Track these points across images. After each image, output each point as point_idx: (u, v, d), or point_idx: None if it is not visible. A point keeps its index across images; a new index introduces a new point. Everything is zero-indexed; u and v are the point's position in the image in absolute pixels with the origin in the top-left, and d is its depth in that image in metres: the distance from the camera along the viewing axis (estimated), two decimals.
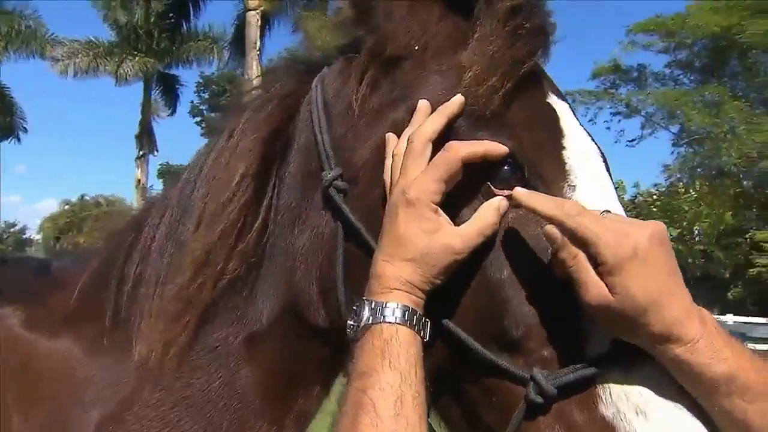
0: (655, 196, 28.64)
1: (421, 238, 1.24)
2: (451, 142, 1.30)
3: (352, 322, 1.27)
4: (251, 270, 1.57)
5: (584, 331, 1.23)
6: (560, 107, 1.43)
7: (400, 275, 1.24)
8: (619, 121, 35.48)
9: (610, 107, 33.29)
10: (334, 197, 1.45)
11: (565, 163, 1.35)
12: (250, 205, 1.56)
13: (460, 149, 1.28)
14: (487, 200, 1.30)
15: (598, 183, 1.36)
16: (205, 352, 1.54)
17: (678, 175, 32.34)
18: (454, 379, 1.31)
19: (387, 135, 1.42)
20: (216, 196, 1.57)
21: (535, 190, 1.29)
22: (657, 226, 1.16)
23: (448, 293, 1.28)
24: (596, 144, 1.46)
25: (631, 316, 1.13)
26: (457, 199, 1.31)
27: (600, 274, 1.15)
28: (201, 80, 48.39)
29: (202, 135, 30.00)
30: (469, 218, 1.29)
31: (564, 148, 1.38)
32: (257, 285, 1.57)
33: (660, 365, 1.15)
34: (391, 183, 1.34)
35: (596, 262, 1.15)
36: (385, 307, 1.23)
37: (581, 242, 1.16)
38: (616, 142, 33.81)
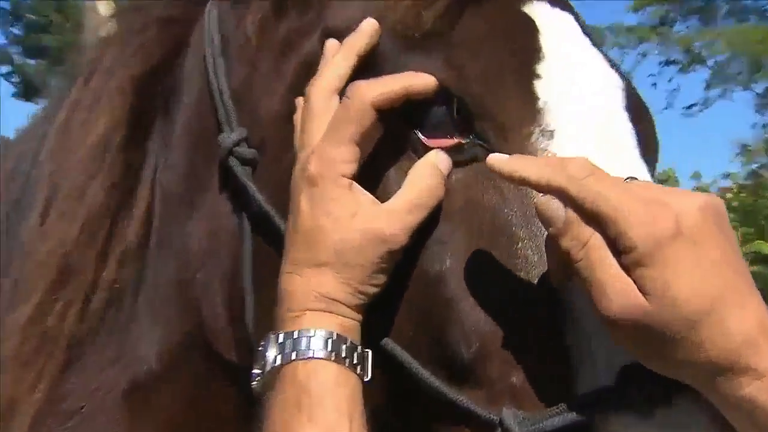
0: (729, 194, 15.29)
1: (334, 229, 0.90)
2: (354, 83, 0.96)
3: (257, 370, 0.92)
4: (133, 284, 1.18)
5: (578, 352, 0.86)
6: (546, 17, 1.03)
7: (314, 289, 0.90)
8: (671, 79, 25.17)
9: (659, 53, 20.34)
10: (236, 170, 1.10)
11: (536, 98, 0.96)
12: (122, 183, 1.18)
13: (367, 91, 0.94)
14: (419, 158, 0.96)
15: (599, 133, 0.96)
16: (67, 416, 1.12)
17: (764, 161, 19.81)
18: (404, 424, 0.96)
19: (296, 79, 1.07)
20: (69, 172, 1.18)
21: (483, 139, 0.95)
22: (711, 198, 0.81)
23: (390, 304, 0.94)
24: (623, 82, 1.04)
25: (673, 331, 0.75)
26: (379, 165, 0.97)
27: (625, 269, 0.78)
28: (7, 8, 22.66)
29: (15, 95, 21.36)
30: (397, 187, 0.95)
31: (537, 76, 0.98)
32: (142, 307, 1.18)
33: (707, 409, 0.79)
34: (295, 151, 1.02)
35: (618, 250, 0.78)
36: (297, 338, 0.88)
37: (595, 218, 0.79)
38: (666, 108, 21.05)
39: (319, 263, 0.91)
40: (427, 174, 0.94)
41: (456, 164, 0.96)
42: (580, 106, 0.98)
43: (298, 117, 1.05)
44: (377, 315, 0.94)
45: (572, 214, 0.81)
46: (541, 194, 0.84)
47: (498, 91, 0.97)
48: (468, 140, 0.96)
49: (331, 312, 0.90)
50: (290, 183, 1.00)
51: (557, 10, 1.05)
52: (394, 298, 0.94)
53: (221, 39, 1.20)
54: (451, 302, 0.92)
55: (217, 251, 1.14)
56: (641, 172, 0.97)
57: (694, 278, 0.75)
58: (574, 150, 0.94)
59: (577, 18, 1.09)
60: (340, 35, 1.05)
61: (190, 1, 1.27)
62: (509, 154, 0.90)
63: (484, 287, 0.91)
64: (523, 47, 1.00)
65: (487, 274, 0.92)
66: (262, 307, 1.05)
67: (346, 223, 0.91)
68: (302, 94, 1.07)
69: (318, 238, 0.92)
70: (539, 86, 0.98)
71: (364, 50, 1.01)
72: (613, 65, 1.06)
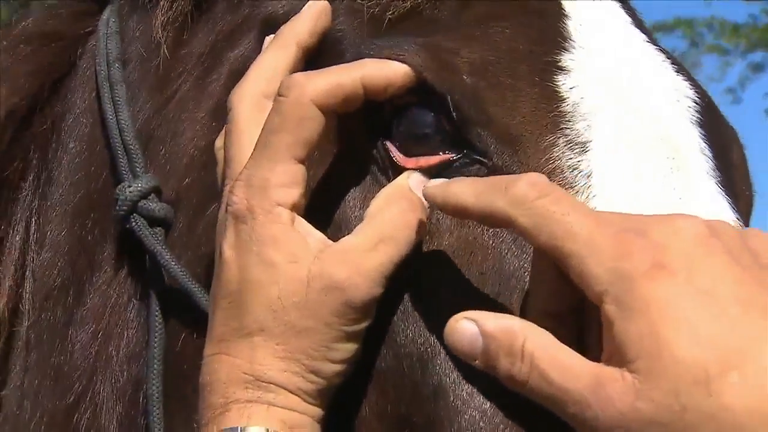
0: None
1: (269, 281, 0.65)
2: (289, 76, 0.70)
3: None
4: None
5: None
6: (581, 2, 0.78)
7: (242, 370, 0.65)
8: None
9: None
10: (142, 234, 0.82)
11: (560, 98, 0.71)
12: None
13: (307, 85, 0.67)
14: (389, 180, 0.71)
15: (655, 150, 0.70)
16: None
17: None
18: None
19: (224, 96, 0.81)
20: None
21: (482, 152, 0.70)
22: (709, 220, 0.61)
23: (357, 392, 0.69)
24: (696, 93, 0.78)
25: (684, 407, 0.53)
26: (334, 192, 0.73)
27: (607, 354, 0.58)
28: None
29: None
30: (358, 221, 0.71)
31: (561, 69, 0.72)
32: None
33: None
34: (220, 191, 0.76)
35: (582, 305, 0.61)
36: None
37: (550, 253, 0.60)
38: None
39: (249, 332, 0.66)
40: (395, 200, 0.68)
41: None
42: (626, 112, 0.70)
43: (217, 143, 0.77)
44: (344, 409, 0.68)
45: (491, 335, 0.60)
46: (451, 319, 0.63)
47: (505, 86, 0.70)
48: (460, 155, 0.70)
49: (268, 403, 0.64)
50: (213, 249, 0.75)
51: None
52: (372, 381, 0.68)
53: (122, 58, 0.93)
54: (441, 390, 0.66)
55: (108, 358, 0.85)
56: (723, 210, 0.69)
57: (698, 325, 0.54)
58: (616, 169, 0.67)
59: (628, 8, 0.82)
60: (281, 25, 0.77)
61: (78, 11, 1.00)
62: (523, 173, 0.65)
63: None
64: (542, 33, 0.74)
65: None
66: (177, 425, 0.78)
67: (285, 269, 0.65)
68: None
69: (248, 297, 0.66)
70: (565, 83, 0.71)
71: (309, 39, 0.75)
72: (682, 70, 0.79)
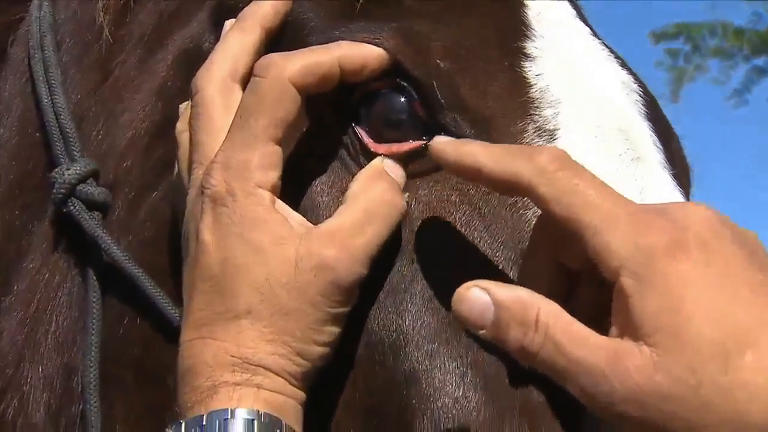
0: None
1: (256, 262, 0.64)
2: (265, 56, 0.68)
3: None
4: None
5: None
6: None
7: (229, 353, 0.63)
8: None
9: None
10: (80, 218, 0.79)
11: (528, 84, 0.71)
12: None
13: (285, 65, 0.66)
14: (365, 164, 0.70)
15: (615, 139, 0.70)
16: None
17: None
18: None
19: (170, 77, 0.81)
20: None
21: (455, 137, 0.68)
22: (710, 208, 0.61)
23: (335, 378, 0.67)
24: (640, 87, 0.78)
25: (703, 382, 0.54)
26: (301, 177, 0.71)
27: (617, 329, 0.57)
28: None
29: None
30: (325, 206, 0.70)
31: (526, 56, 0.72)
32: None
33: None
34: (180, 174, 0.73)
35: (596, 280, 0.60)
36: (208, 423, 0.61)
37: (567, 224, 0.60)
38: None
39: (236, 314, 0.64)
40: (376, 181, 0.67)
41: (414, 176, 0.69)
42: (587, 101, 0.71)
43: (178, 126, 0.74)
44: (324, 394, 0.66)
45: (504, 304, 0.59)
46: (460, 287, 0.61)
47: (477, 70, 0.70)
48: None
49: (257, 386, 0.62)
50: (161, 229, 0.75)
51: None
52: (340, 371, 0.66)
53: (56, 41, 0.89)
54: (413, 378, 0.64)
55: (36, 345, 0.82)
56: (676, 194, 0.70)
57: (716, 303, 0.55)
58: (582, 158, 0.66)
59: (573, 1, 0.83)
60: (239, 8, 0.75)
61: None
62: None
63: (459, 354, 0.65)
64: (507, 20, 0.73)
65: (468, 340, 0.65)
66: (117, 412, 0.76)
67: (272, 251, 0.64)
68: (181, 98, 0.77)
69: (233, 279, 0.64)
70: (531, 69, 0.71)
71: (273, 21, 0.73)
72: (625, 65, 0.80)
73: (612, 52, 0.80)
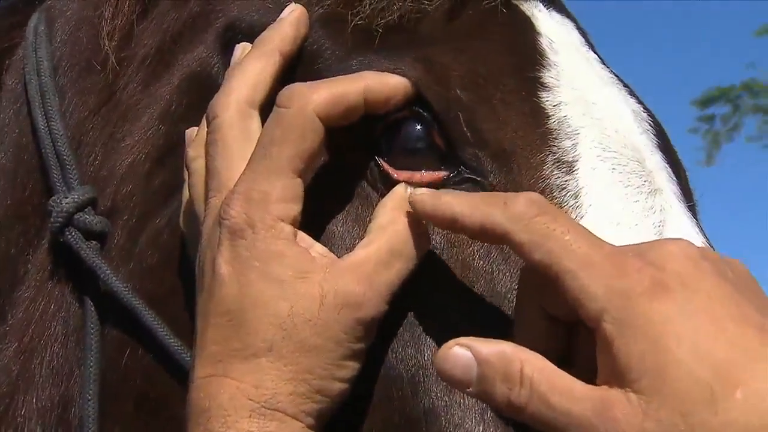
0: None
1: (278, 297, 0.62)
2: (290, 86, 0.66)
3: None
4: None
5: None
6: (545, 20, 0.77)
7: (248, 395, 0.61)
8: None
9: None
10: (78, 248, 0.77)
11: (546, 114, 0.69)
12: None
13: (311, 96, 0.64)
14: (385, 192, 0.68)
15: (633, 171, 0.69)
16: None
17: None
18: None
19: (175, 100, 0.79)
20: None
21: (476, 170, 0.68)
22: (688, 242, 0.60)
23: (352, 416, 0.65)
24: (649, 115, 0.78)
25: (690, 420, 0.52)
26: (320, 207, 0.68)
27: (604, 378, 0.56)
28: None
29: None
30: (356, 237, 0.68)
31: (543, 86, 0.71)
32: None
33: None
34: (193, 202, 0.71)
35: (574, 328, 0.60)
36: None
37: (545, 271, 0.58)
38: None
39: (254, 352, 0.61)
40: (402, 213, 0.65)
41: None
42: (603, 132, 0.70)
43: (191, 152, 0.72)
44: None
45: (487, 360, 0.58)
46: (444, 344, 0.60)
47: (496, 101, 0.69)
48: (454, 173, 0.68)
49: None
50: (164, 257, 0.74)
51: (555, 13, 0.78)
52: (356, 407, 0.64)
53: (53, 65, 0.87)
54: (432, 414, 0.63)
55: (31, 376, 0.80)
56: (695, 233, 0.69)
57: (699, 342, 0.54)
58: (601, 190, 0.66)
59: (580, 29, 0.82)
60: (254, 33, 0.73)
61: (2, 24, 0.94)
62: (517, 192, 0.63)
63: None
64: (521, 48, 0.72)
65: None
66: None
67: (295, 285, 0.62)
68: (186, 122, 0.76)
69: (252, 315, 0.62)
70: (548, 99, 0.70)
71: (291, 47, 0.71)
72: (633, 93, 0.79)
73: (620, 80, 0.80)
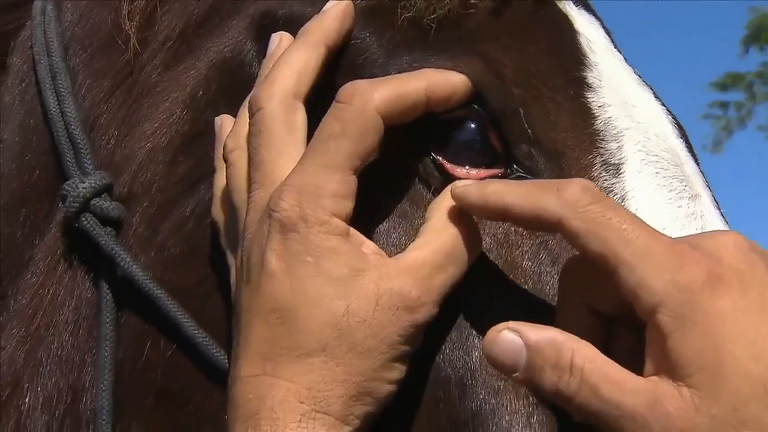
0: None
1: (332, 295, 0.60)
2: (351, 82, 0.64)
3: None
4: None
5: None
6: (579, 19, 0.76)
7: (300, 397, 0.59)
8: None
9: None
10: (95, 234, 0.75)
11: (593, 115, 0.69)
12: None
13: (373, 93, 0.63)
14: (438, 191, 0.67)
15: (674, 175, 0.69)
16: None
17: None
18: None
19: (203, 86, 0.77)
20: None
21: (529, 170, 0.67)
22: (738, 235, 0.60)
23: (405, 407, 0.64)
24: (671, 116, 0.78)
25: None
26: (373, 204, 0.66)
27: (653, 367, 0.55)
28: None
29: None
30: (402, 234, 0.67)
31: (588, 87, 0.70)
32: None
33: None
34: (232, 193, 0.69)
35: (632, 325, 0.58)
36: None
37: (600, 261, 0.57)
38: None
39: (307, 351, 0.59)
40: (459, 215, 0.63)
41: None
42: (644, 134, 0.70)
43: (230, 143, 0.70)
44: None
45: (537, 347, 0.57)
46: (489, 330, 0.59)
47: (547, 99, 0.68)
48: (509, 170, 0.67)
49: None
50: (189, 247, 0.72)
51: (584, 12, 0.78)
52: (402, 409, 0.63)
53: (63, 45, 0.84)
54: (479, 417, 0.62)
55: (37, 365, 0.77)
56: (708, 210, 0.70)
57: (756, 339, 0.53)
58: (646, 194, 0.66)
59: (605, 27, 0.81)
60: (292, 23, 0.72)
61: (3, 6, 0.91)
62: None
63: (526, 393, 0.62)
64: (566, 47, 0.72)
65: None
66: None
67: (351, 284, 0.60)
68: (213, 110, 0.74)
69: (306, 313, 0.59)
70: (594, 100, 0.69)
71: (336, 40, 0.69)
72: (657, 96, 0.79)
73: (645, 82, 0.79)
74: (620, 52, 0.81)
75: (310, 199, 0.61)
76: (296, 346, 0.59)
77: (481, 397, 0.62)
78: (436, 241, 0.62)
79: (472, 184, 0.63)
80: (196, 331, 0.70)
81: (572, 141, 0.67)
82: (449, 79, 0.65)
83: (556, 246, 0.66)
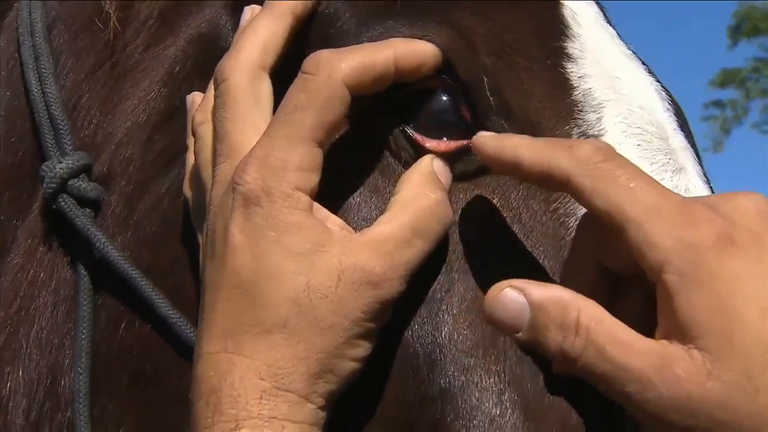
0: None
1: (294, 270, 0.58)
2: (316, 52, 0.62)
3: None
4: None
5: None
6: None
7: (261, 374, 0.57)
8: None
9: None
10: (72, 215, 0.74)
11: (570, 86, 0.67)
12: None
13: (338, 63, 0.61)
14: (409, 164, 0.65)
15: (658, 148, 0.67)
16: None
17: None
18: None
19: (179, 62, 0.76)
20: None
21: None
22: (762, 197, 0.57)
23: (362, 397, 0.62)
24: (666, 93, 0.75)
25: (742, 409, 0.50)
26: (340, 177, 0.65)
27: (663, 334, 0.53)
28: None
29: None
30: (374, 209, 0.65)
31: (568, 57, 0.68)
32: None
33: None
34: (199, 168, 0.68)
35: (643, 285, 0.56)
36: None
37: (607, 219, 0.55)
38: None
39: (268, 328, 0.57)
40: (428, 188, 0.61)
41: (457, 178, 0.65)
42: (627, 107, 0.67)
43: (198, 117, 0.69)
44: (348, 407, 0.61)
45: (541, 305, 0.55)
46: (493, 287, 0.57)
47: (521, 69, 0.66)
48: None
49: (284, 419, 0.56)
50: (164, 226, 0.71)
51: None
52: (368, 384, 0.61)
53: (47, 25, 0.84)
54: (448, 394, 0.60)
55: (18, 348, 0.77)
56: (695, 184, 0.68)
57: (767, 301, 0.51)
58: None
59: (598, 3, 0.79)
60: None
61: None
62: None
63: (497, 370, 0.60)
64: (546, 17, 0.69)
65: (506, 354, 0.60)
66: (106, 425, 0.72)
67: (313, 259, 0.58)
68: (188, 85, 0.74)
69: (267, 288, 0.58)
70: (573, 71, 0.67)
71: (304, 8, 0.68)
72: (651, 72, 0.77)
73: (639, 57, 0.77)
74: (612, 26, 0.78)
75: (274, 172, 0.59)
76: (257, 322, 0.58)
77: (450, 373, 0.60)
78: (403, 215, 0.60)
79: (491, 134, 0.61)
80: (170, 312, 0.69)
81: (548, 111, 0.65)
82: (418, 49, 0.63)
83: (530, 218, 0.64)
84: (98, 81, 0.81)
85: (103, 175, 0.77)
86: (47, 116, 0.78)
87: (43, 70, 0.80)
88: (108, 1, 0.80)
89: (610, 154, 0.57)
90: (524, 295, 0.55)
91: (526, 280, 0.56)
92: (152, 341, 0.71)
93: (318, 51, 0.62)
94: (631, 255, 0.54)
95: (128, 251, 0.73)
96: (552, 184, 0.59)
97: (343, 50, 0.62)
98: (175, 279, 0.71)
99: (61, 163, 0.75)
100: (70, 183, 0.75)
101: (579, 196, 0.57)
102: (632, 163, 0.58)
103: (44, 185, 0.75)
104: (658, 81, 0.76)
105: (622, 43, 0.76)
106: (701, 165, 0.80)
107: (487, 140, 0.61)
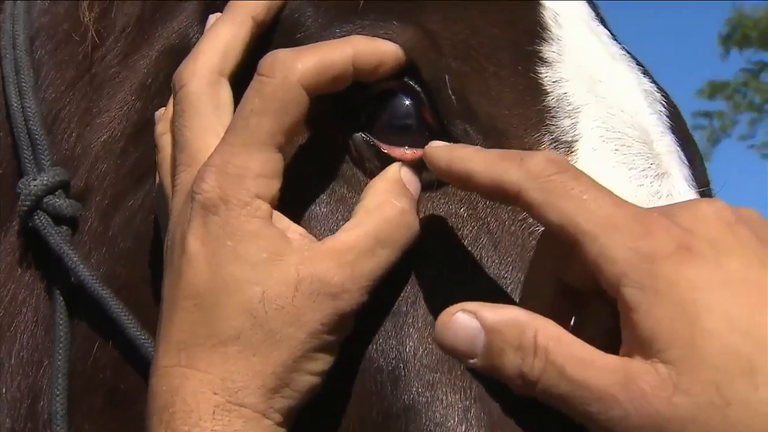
0: None
1: (249, 281, 0.56)
2: (272, 52, 0.60)
3: None
4: None
5: None
6: None
7: (214, 388, 0.55)
8: None
9: None
10: (46, 233, 0.73)
11: (543, 91, 0.65)
12: None
13: (294, 63, 0.59)
14: (374, 173, 0.63)
15: (640, 153, 0.64)
16: None
17: None
18: None
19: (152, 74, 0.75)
20: None
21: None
22: (722, 203, 0.55)
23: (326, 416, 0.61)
24: (662, 95, 0.73)
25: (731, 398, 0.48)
26: (300, 186, 0.64)
27: (627, 347, 0.51)
28: None
29: None
30: (339, 219, 0.63)
31: (542, 61, 0.66)
32: None
33: None
34: (162, 179, 0.67)
35: (607, 302, 0.53)
36: None
37: (561, 233, 0.53)
38: None
39: (222, 340, 0.56)
40: (392, 196, 0.59)
41: (424, 187, 0.63)
42: (608, 111, 0.65)
43: (159, 128, 0.68)
44: (311, 425, 0.59)
45: (495, 328, 0.53)
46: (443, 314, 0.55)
47: (489, 74, 0.64)
48: None
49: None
50: (137, 241, 0.71)
51: None
52: (330, 400, 0.59)
53: (29, 37, 0.83)
54: (412, 411, 0.58)
55: (0, 366, 0.76)
56: (680, 187, 0.66)
57: (734, 311, 0.49)
58: (602, 173, 0.61)
59: (590, 2, 0.77)
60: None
61: None
62: None
63: (463, 386, 0.58)
64: (521, 20, 0.67)
65: (472, 370, 0.57)
66: None
67: (269, 270, 0.56)
68: (161, 97, 0.72)
69: (222, 299, 0.56)
70: (548, 75, 0.65)
71: (265, 13, 0.66)
72: (647, 72, 0.75)
73: (634, 58, 0.75)
74: (607, 28, 0.76)
75: (232, 179, 0.57)
76: (212, 334, 0.56)
77: (415, 389, 0.58)
78: (366, 224, 0.58)
79: (443, 145, 0.59)
80: (138, 333, 0.68)
81: (516, 118, 0.63)
82: (378, 47, 0.61)
83: (498, 228, 0.62)
84: (78, 93, 0.80)
85: (80, 189, 0.76)
86: (26, 131, 0.78)
87: (23, 85, 0.80)
88: (87, 12, 0.79)
89: (563, 165, 0.54)
90: (477, 319, 0.53)
91: (479, 303, 0.54)
92: (123, 361, 0.70)
93: (273, 51, 0.60)
94: (589, 269, 0.52)
95: (103, 268, 0.72)
96: (504, 198, 0.57)
97: (299, 49, 0.60)
98: (147, 296, 0.70)
99: (35, 180, 0.74)
100: (45, 200, 0.74)
101: (531, 210, 0.54)
102: (587, 175, 0.55)
103: (20, 202, 0.74)
104: (653, 82, 0.74)
105: (613, 43, 0.74)
106: (702, 166, 0.77)
107: (438, 151, 0.59)
